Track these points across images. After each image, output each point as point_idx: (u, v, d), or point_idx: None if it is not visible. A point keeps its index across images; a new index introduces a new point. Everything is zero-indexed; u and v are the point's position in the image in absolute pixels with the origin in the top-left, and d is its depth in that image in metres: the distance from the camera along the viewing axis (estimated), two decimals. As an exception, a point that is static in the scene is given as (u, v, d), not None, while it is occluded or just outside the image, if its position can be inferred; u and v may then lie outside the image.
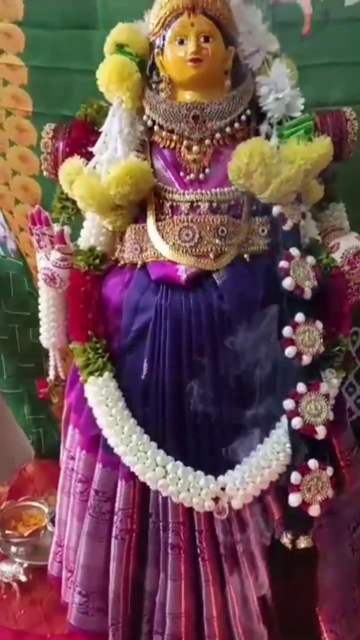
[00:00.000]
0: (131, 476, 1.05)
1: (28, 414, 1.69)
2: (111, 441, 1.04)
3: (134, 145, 1.09)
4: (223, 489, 1.00)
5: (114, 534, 1.08)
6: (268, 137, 1.07)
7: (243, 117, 1.07)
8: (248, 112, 1.07)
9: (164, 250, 1.06)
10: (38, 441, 1.71)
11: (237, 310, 1.02)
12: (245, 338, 1.01)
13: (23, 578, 1.37)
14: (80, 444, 1.13)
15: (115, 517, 1.07)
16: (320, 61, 1.34)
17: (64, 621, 1.19)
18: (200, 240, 1.04)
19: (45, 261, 1.20)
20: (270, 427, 1.03)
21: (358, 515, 1.18)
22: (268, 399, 1.01)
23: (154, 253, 1.07)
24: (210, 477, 1.01)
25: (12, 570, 1.38)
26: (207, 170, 1.07)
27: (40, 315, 1.26)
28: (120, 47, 1.09)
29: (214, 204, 1.06)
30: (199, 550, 1.04)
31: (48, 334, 1.26)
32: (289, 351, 1.00)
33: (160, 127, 1.08)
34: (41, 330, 1.27)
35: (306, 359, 1.01)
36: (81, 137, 1.16)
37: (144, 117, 1.09)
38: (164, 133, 1.08)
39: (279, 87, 1.06)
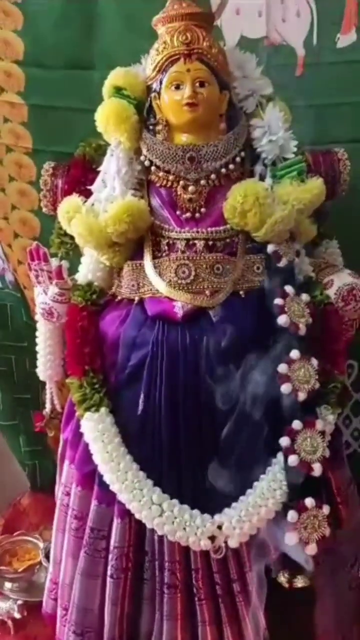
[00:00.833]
0: (127, 514, 1.04)
1: (24, 445, 1.68)
2: (107, 478, 1.04)
3: (131, 184, 1.12)
4: (219, 527, 1.00)
5: (109, 572, 1.07)
6: (262, 177, 1.10)
7: (238, 159, 1.10)
8: (242, 153, 1.10)
9: (161, 287, 1.07)
10: (33, 473, 1.70)
11: (233, 347, 1.03)
12: (241, 374, 1.02)
13: (17, 615, 1.35)
14: (75, 480, 1.13)
15: (110, 556, 1.06)
16: (313, 102, 1.38)
17: (58, 660, 1.18)
18: (196, 278, 1.06)
19: (44, 296, 1.21)
20: (267, 464, 1.03)
21: (356, 552, 1.17)
22: (264, 435, 1.01)
23: (151, 289, 1.09)
24: (207, 515, 1.01)
25: (6, 606, 1.35)
26: (202, 209, 1.09)
27: (38, 348, 1.27)
28: (118, 90, 1.12)
29: (210, 242, 1.08)
30: (195, 590, 1.04)
31: (45, 367, 1.27)
32: (285, 388, 1.01)
33: (157, 167, 1.10)
34: (38, 363, 1.27)
35: (302, 396, 1.01)
36: (80, 175, 1.18)
37: (141, 158, 1.12)
38: (160, 173, 1.10)
39: (272, 129, 1.10)
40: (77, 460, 1.12)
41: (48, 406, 1.30)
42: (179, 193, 1.09)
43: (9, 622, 1.33)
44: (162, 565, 1.04)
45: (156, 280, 1.08)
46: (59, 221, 1.18)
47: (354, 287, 1.12)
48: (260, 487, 1.01)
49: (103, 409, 1.08)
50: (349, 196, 1.21)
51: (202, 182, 1.08)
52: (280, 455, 1.01)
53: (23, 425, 1.66)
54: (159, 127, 1.10)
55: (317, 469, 0.99)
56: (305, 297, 1.07)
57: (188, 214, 1.09)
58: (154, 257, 1.09)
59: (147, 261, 1.09)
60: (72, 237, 1.17)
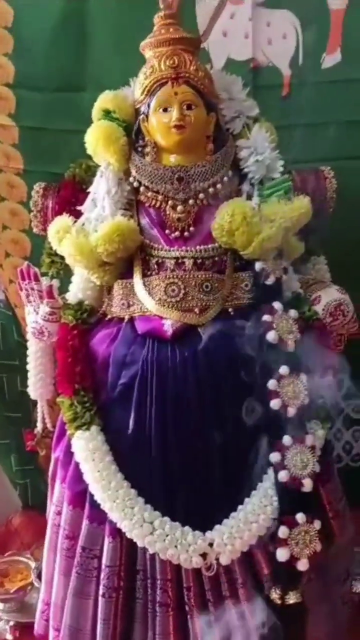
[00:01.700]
0: (118, 533, 1.04)
1: (15, 464, 1.68)
2: (98, 497, 1.04)
3: (121, 204, 1.13)
4: (211, 544, 1.00)
5: (100, 592, 1.07)
6: (249, 196, 1.12)
7: (225, 178, 1.12)
8: (230, 173, 1.12)
9: (151, 305, 1.08)
10: (25, 492, 1.69)
11: (222, 364, 1.04)
12: (231, 391, 1.03)
13: (9, 636, 1.34)
14: (67, 499, 1.12)
15: (102, 575, 1.06)
16: (299, 121, 1.40)
17: None
18: (185, 296, 1.07)
19: (34, 315, 1.22)
20: (258, 479, 1.03)
21: (347, 568, 1.18)
22: (254, 451, 1.02)
23: (141, 308, 1.10)
24: (198, 533, 1.01)
25: (-2, 628, 1.34)
26: (191, 228, 1.11)
27: (29, 367, 1.27)
28: (107, 113, 1.14)
29: (199, 261, 1.09)
30: (187, 608, 1.03)
31: (36, 385, 1.27)
32: (274, 403, 1.02)
33: (146, 187, 1.12)
34: (29, 382, 1.28)
35: (291, 411, 1.02)
36: (70, 196, 1.20)
37: (130, 179, 1.13)
38: (149, 193, 1.12)
39: (258, 150, 1.12)
40: (69, 479, 1.12)
41: (39, 425, 1.30)
42: (167, 213, 1.11)
43: (1, 644, 1.32)
44: (154, 584, 1.04)
45: (146, 299, 1.09)
46: (49, 241, 1.19)
47: (342, 303, 1.14)
48: (251, 503, 1.02)
49: (94, 428, 1.08)
50: (336, 213, 1.24)
51: (191, 201, 1.10)
52: (270, 471, 1.02)
53: (14, 444, 1.66)
54: (148, 149, 1.12)
55: (307, 485, 0.99)
56: (293, 313, 1.08)
57: (177, 233, 1.11)
58: (144, 276, 1.10)
59: (137, 280, 1.11)
60: (62, 257, 1.18)
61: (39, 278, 1.19)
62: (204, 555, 1.00)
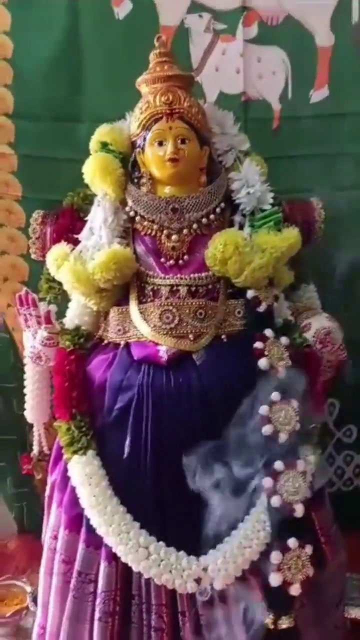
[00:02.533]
0: (114, 557, 1.06)
1: (11, 487, 1.68)
2: (94, 522, 1.06)
3: (117, 232, 1.16)
4: (205, 569, 1.02)
5: (96, 616, 1.08)
6: (241, 226, 1.16)
7: (218, 209, 1.15)
8: (222, 204, 1.16)
9: (146, 331, 1.11)
10: (21, 516, 1.69)
11: (216, 389, 1.07)
12: (225, 417, 1.05)
13: (4, 662, 1.33)
14: (63, 523, 1.13)
15: (97, 600, 1.07)
16: (289, 153, 1.46)
17: None
18: (180, 323, 1.10)
19: (32, 340, 1.24)
20: (251, 504, 1.05)
21: (340, 592, 1.19)
22: (247, 476, 1.03)
23: (136, 334, 1.12)
24: (192, 557, 1.02)
25: (-8, 653, 1.34)
26: (185, 256, 1.14)
27: (26, 390, 1.29)
28: (104, 145, 1.18)
29: (193, 288, 1.12)
30: (182, 633, 1.04)
31: (33, 409, 1.29)
32: (266, 429, 1.04)
33: (142, 217, 1.15)
34: (26, 405, 1.29)
35: (283, 437, 1.04)
36: (68, 224, 1.23)
37: (127, 208, 1.17)
38: (145, 222, 1.15)
39: (250, 182, 1.16)
40: (65, 503, 1.13)
41: (35, 448, 1.32)
42: (162, 241, 1.15)
43: (-4, 669, 1.32)
44: (149, 609, 1.05)
45: (141, 325, 1.12)
46: (47, 267, 1.22)
47: (331, 331, 1.17)
48: (244, 528, 1.03)
49: (90, 452, 1.10)
50: (325, 242, 1.27)
51: (185, 231, 1.14)
52: (263, 496, 1.04)
53: (10, 467, 1.66)
54: (143, 180, 1.16)
55: (299, 510, 1.01)
56: (284, 340, 1.11)
57: (172, 261, 1.14)
58: (140, 302, 1.13)
59: (133, 306, 1.14)
60: (60, 282, 1.21)
61: (37, 304, 1.21)
62: (198, 581, 1.01)
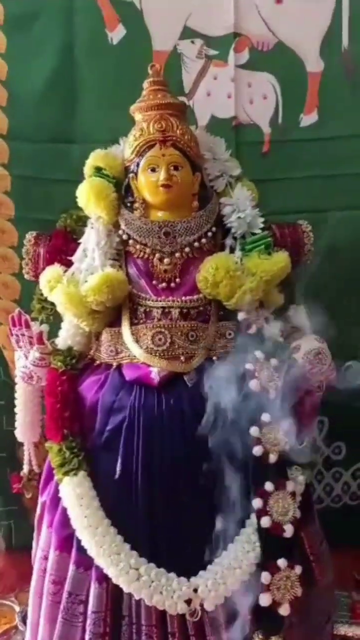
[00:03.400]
0: (104, 578, 1.06)
1: (-1, 505, 1.67)
2: (85, 543, 1.06)
3: (110, 255, 1.18)
4: (195, 590, 1.02)
5: (87, 637, 1.08)
6: (232, 249, 1.19)
7: (209, 233, 1.18)
8: (214, 228, 1.19)
9: (138, 353, 1.13)
10: (9, 534, 1.68)
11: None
12: (216, 437, 1.06)
13: None
14: (54, 544, 1.14)
15: (88, 621, 1.07)
16: (279, 176, 1.48)
17: None
18: (171, 344, 1.12)
19: (24, 360, 1.25)
20: (240, 525, 1.06)
21: (329, 610, 1.20)
22: (238, 497, 1.05)
23: (129, 355, 1.14)
24: (183, 579, 1.03)
25: (-20, 674, 1.33)
26: (177, 279, 1.16)
27: (17, 409, 1.30)
28: (98, 170, 1.20)
29: (184, 310, 1.14)
30: (172, 654, 1.05)
31: (23, 428, 1.30)
32: (256, 450, 1.06)
33: (135, 240, 1.17)
34: (17, 424, 1.30)
35: (272, 458, 1.06)
36: (61, 245, 1.25)
37: (120, 231, 1.19)
38: (138, 246, 1.17)
39: (241, 207, 1.19)
40: (55, 523, 1.14)
41: (25, 467, 1.32)
42: (155, 264, 1.17)
43: None
44: (139, 630, 1.06)
45: (134, 347, 1.13)
46: (40, 288, 1.23)
47: (320, 352, 1.19)
48: (234, 549, 1.04)
49: (81, 473, 1.11)
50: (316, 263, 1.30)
51: (177, 254, 1.16)
52: (253, 517, 1.05)
53: (-1, 484, 1.65)
54: (137, 205, 1.18)
55: (288, 531, 1.02)
56: (274, 361, 1.13)
57: (164, 284, 1.16)
58: (132, 324, 1.15)
59: (125, 328, 1.15)
60: (52, 303, 1.22)
61: (29, 325, 1.23)
62: (188, 602, 1.02)
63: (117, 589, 1.06)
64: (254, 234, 1.18)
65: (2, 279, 1.58)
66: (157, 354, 1.11)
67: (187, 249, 1.16)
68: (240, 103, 1.50)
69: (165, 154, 1.15)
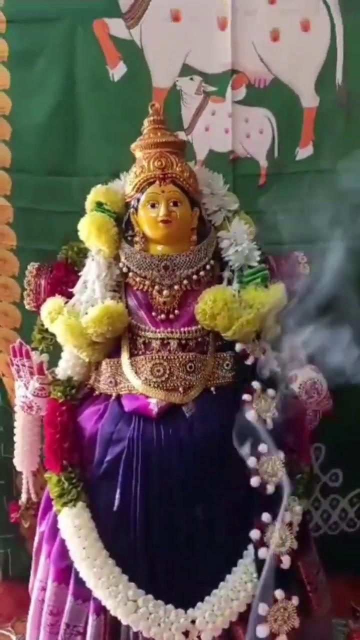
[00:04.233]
0: (102, 610, 1.06)
1: (-5, 533, 1.67)
2: (83, 574, 1.07)
3: (110, 286, 1.21)
4: (193, 622, 1.03)
5: (85, 670, 1.08)
6: (230, 281, 1.21)
7: (207, 266, 1.21)
8: (212, 261, 1.21)
9: (137, 384, 1.15)
10: (5, 562, 1.67)
11: (205, 442, 1.09)
12: (214, 470, 1.08)
13: None
14: (52, 575, 1.14)
15: (86, 653, 1.07)
16: (275, 208, 1.51)
17: None
18: (170, 376, 1.13)
19: (24, 390, 1.26)
20: (238, 556, 1.07)
21: (327, 636, 1.20)
22: (236, 529, 1.06)
23: (128, 386, 1.16)
24: (181, 610, 1.04)
25: None
26: (176, 311, 1.19)
27: (16, 439, 1.31)
28: (99, 205, 1.23)
29: (183, 342, 1.16)
30: None
31: (22, 457, 1.31)
32: (254, 481, 1.07)
33: (135, 273, 1.20)
34: (15, 453, 1.31)
35: (270, 489, 1.07)
36: (62, 277, 1.27)
37: (120, 264, 1.22)
38: (137, 278, 1.20)
39: (238, 240, 1.22)
40: (54, 554, 1.14)
41: (24, 496, 1.33)
42: (154, 296, 1.19)
43: None
44: (137, 662, 1.06)
45: (132, 378, 1.15)
46: (41, 318, 1.26)
47: (316, 382, 1.21)
48: (232, 580, 1.05)
49: (80, 504, 1.12)
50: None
51: (176, 287, 1.18)
52: (251, 548, 1.06)
53: (-4, 513, 1.65)
54: (137, 239, 1.21)
55: (286, 562, 1.03)
56: (271, 392, 1.15)
57: (163, 316, 1.19)
58: (131, 355, 1.17)
59: (125, 359, 1.17)
60: (53, 333, 1.24)
61: (30, 355, 1.25)
62: (186, 633, 1.02)
63: (115, 620, 1.06)
64: (251, 266, 1.21)
65: (2, 308, 1.60)
66: (156, 385, 1.13)
67: (185, 282, 1.18)
68: (237, 137, 1.53)
69: (165, 190, 1.18)
